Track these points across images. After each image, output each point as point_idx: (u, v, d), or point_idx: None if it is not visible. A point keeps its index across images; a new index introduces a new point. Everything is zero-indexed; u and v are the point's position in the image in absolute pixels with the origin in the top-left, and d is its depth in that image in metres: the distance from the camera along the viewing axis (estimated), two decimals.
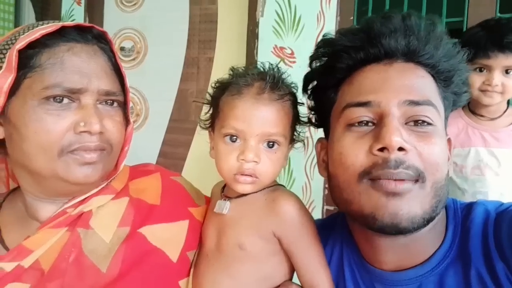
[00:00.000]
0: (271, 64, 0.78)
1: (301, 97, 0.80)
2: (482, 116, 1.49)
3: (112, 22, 2.34)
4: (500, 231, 0.65)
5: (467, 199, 1.46)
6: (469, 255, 0.66)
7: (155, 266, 0.73)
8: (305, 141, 1.90)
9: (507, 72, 1.39)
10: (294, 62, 1.91)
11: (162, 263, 0.74)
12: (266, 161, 0.72)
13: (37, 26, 0.69)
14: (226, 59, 2.12)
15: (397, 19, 0.68)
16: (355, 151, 0.66)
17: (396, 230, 0.63)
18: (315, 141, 0.84)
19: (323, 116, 0.78)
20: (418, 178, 0.63)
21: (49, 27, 0.68)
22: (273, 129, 0.72)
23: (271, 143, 0.73)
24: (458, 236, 0.69)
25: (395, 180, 0.62)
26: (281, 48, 1.94)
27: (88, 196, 0.74)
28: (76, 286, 0.67)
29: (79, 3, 2.35)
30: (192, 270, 0.78)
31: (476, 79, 1.41)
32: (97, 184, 0.74)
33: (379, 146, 0.63)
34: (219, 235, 0.77)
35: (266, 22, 1.95)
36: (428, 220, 0.64)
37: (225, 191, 0.80)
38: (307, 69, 0.79)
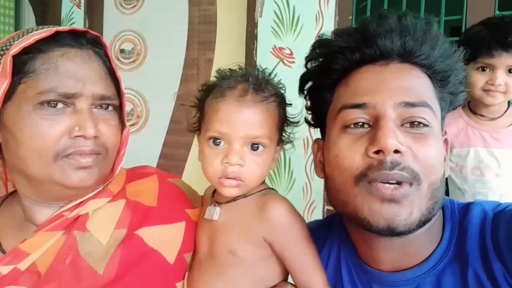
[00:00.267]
0: (261, 67, 0.78)
1: (296, 97, 0.80)
2: (482, 116, 1.47)
3: (112, 25, 2.35)
4: (497, 231, 0.65)
5: (467, 199, 1.45)
6: (466, 255, 0.66)
7: (152, 268, 0.73)
8: (305, 141, 1.91)
9: (510, 71, 1.36)
10: (293, 62, 1.91)
11: (159, 265, 0.74)
12: (251, 164, 0.72)
13: (31, 32, 0.70)
14: (225, 60, 2.12)
15: (393, 19, 0.67)
16: (351, 154, 0.66)
17: (392, 233, 0.63)
18: (311, 144, 0.84)
19: (320, 116, 0.77)
20: (414, 180, 0.62)
21: (43, 32, 0.69)
22: (257, 131, 0.71)
23: (256, 146, 0.72)
24: (455, 237, 0.69)
25: (391, 183, 0.62)
26: (280, 48, 1.94)
27: (84, 200, 0.74)
28: None
29: (78, 6, 2.36)
30: (186, 274, 0.78)
31: (479, 79, 1.38)
32: (93, 188, 0.75)
33: (375, 148, 0.63)
34: (211, 241, 0.76)
35: (265, 23, 1.95)
36: (424, 222, 0.64)
37: (215, 196, 0.80)
38: (303, 72, 0.79)
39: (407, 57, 0.68)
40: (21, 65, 0.67)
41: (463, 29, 1.67)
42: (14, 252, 0.69)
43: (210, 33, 2.16)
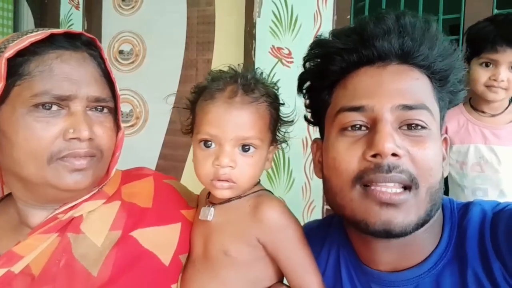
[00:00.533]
0: (253, 68, 0.77)
1: (295, 97, 0.79)
2: (483, 112, 1.47)
3: (111, 26, 2.35)
4: (496, 231, 0.64)
5: (467, 195, 1.45)
6: (465, 255, 0.66)
7: (147, 269, 0.73)
8: (304, 141, 1.91)
9: None
10: (291, 62, 1.91)
11: (154, 266, 0.74)
12: (242, 166, 0.72)
13: (26, 34, 0.70)
14: (224, 60, 2.11)
15: (391, 19, 0.67)
16: (348, 157, 0.66)
17: (388, 236, 0.63)
18: (310, 144, 0.83)
19: (318, 116, 0.77)
20: (411, 184, 0.62)
21: (38, 34, 0.69)
22: (247, 132, 0.71)
23: (247, 147, 0.72)
24: (455, 237, 0.69)
25: (388, 186, 0.62)
26: (279, 48, 1.94)
27: (79, 202, 0.74)
28: None
29: (77, 8, 2.37)
30: (180, 275, 0.78)
31: (482, 74, 1.39)
32: (88, 190, 0.75)
33: (372, 152, 0.63)
34: (205, 241, 0.76)
35: (263, 23, 1.95)
36: (422, 224, 0.64)
37: (210, 197, 0.80)
38: (301, 72, 0.79)
39: (405, 58, 0.67)
40: (16, 68, 0.67)
41: (461, 28, 1.67)
42: (8, 255, 0.69)
43: (209, 33, 2.16)
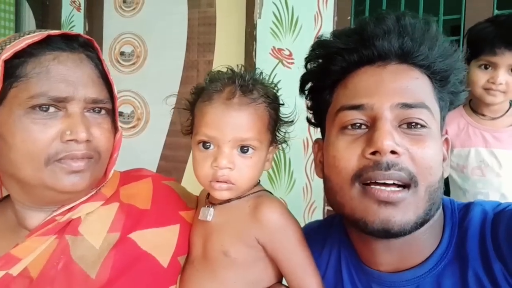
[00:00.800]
0: (252, 68, 0.77)
1: (296, 98, 0.79)
2: (483, 115, 1.45)
3: (112, 27, 2.36)
4: (497, 232, 0.64)
5: (469, 199, 1.44)
6: (466, 255, 0.66)
7: (145, 271, 0.73)
8: (305, 142, 1.90)
9: None
10: (292, 63, 1.91)
11: (152, 268, 0.74)
12: (241, 167, 0.72)
13: (23, 36, 0.70)
14: (225, 61, 2.11)
15: (391, 19, 0.67)
16: (348, 155, 0.66)
17: (387, 235, 0.63)
18: (312, 144, 0.83)
19: (320, 116, 0.78)
20: (410, 182, 0.62)
21: (35, 36, 0.69)
22: (245, 134, 0.71)
23: (245, 148, 0.72)
24: (456, 237, 0.69)
25: (387, 185, 0.62)
26: (279, 49, 1.94)
27: (76, 204, 0.74)
28: None
29: (78, 10, 2.37)
30: (179, 276, 0.78)
31: (481, 77, 1.37)
32: (86, 192, 0.75)
33: (371, 150, 0.63)
34: (205, 242, 0.76)
35: (264, 24, 1.95)
36: (421, 224, 0.64)
37: (209, 197, 0.80)
38: (303, 72, 0.79)
39: (405, 58, 0.67)
40: (13, 69, 0.67)
41: (462, 28, 1.67)
42: (6, 258, 0.69)
43: (210, 35, 2.16)
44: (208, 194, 0.80)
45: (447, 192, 1.33)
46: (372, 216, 0.63)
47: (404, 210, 0.62)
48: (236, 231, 0.73)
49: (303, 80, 0.79)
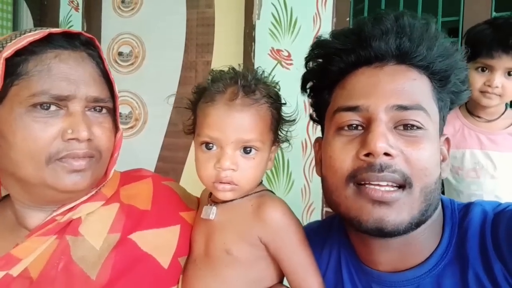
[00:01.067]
0: (248, 68, 0.77)
1: (294, 99, 0.79)
2: (479, 117, 1.46)
3: (110, 27, 2.35)
4: (497, 232, 0.65)
5: (463, 200, 1.42)
6: (466, 256, 0.66)
7: (145, 273, 0.72)
8: (304, 143, 1.90)
9: (509, 74, 1.35)
10: (291, 64, 1.91)
11: (153, 269, 0.73)
12: (244, 168, 0.72)
13: (24, 33, 0.69)
14: (223, 62, 2.10)
15: (390, 19, 0.67)
16: (343, 156, 0.66)
17: (381, 234, 0.63)
18: (313, 143, 0.84)
19: (320, 115, 0.78)
20: (405, 183, 0.63)
21: (36, 34, 0.68)
22: (248, 135, 0.71)
23: (248, 149, 0.72)
24: (455, 237, 0.69)
25: (381, 185, 0.62)
26: (278, 50, 1.93)
27: (77, 204, 0.74)
28: None
29: (76, 9, 2.36)
30: (181, 276, 0.77)
31: (477, 79, 1.37)
32: (86, 192, 0.74)
33: (365, 151, 0.63)
34: (207, 240, 0.76)
35: (263, 25, 1.95)
36: (417, 224, 0.64)
37: (212, 196, 0.80)
38: (304, 71, 0.79)
39: (403, 58, 0.67)
40: (14, 67, 0.66)
41: (460, 30, 1.67)
42: (6, 258, 0.68)
43: (208, 35, 2.16)
44: (211, 193, 0.80)
45: (441, 193, 1.33)
46: (366, 215, 0.63)
47: (398, 210, 0.63)
48: (238, 230, 0.73)
49: (304, 79, 0.80)
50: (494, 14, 1.64)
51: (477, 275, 0.64)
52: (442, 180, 0.69)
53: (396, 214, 0.62)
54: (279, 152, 0.82)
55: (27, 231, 0.72)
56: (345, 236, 0.78)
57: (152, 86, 2.27)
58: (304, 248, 0.73)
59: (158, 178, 0.87)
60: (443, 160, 0.71)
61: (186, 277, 0.77)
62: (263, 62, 1.92)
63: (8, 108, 0.67)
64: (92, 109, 0.72)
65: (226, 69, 0.78)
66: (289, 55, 1.92)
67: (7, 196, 0.78)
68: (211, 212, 0.76)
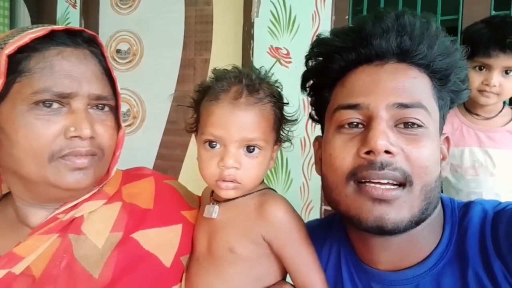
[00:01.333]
0: (254, 67, 0.77)
1: (294, 97, 0.79)
2: (477, 115, 1.47)
3: (108, 25, 2.34)
4: (497, 231, 0.65)
5: (462, 198, 1.44)
6: (466, 254, 0.66)
7: (148, 271, 0.72)
8: (302, 141, 1.90)
9: (506, 72, 1.35)
10: (290, 62, 1.91)
11: (155, 268, 0.73)
12: (247, 166, 0.72)
13: (26, 30, 0.68)
14: (222, 60, 2.12)
15: (390, 18, 0.67)
16: (343, 154, 0.66)
17: (381, 232, 0.63)
18: (312, 141, 0.84)
19: (320, 113, 0.78)
20: (405, 181, 0.63)
21: (39, 31, 0.67)
22: (252, 134, 0.71)
23: (251, 148, 0.72)
24: (455, 236, 0.69)
25: (381, 183, 0.63)
26: (277, 48, 1.93)
27: (79, 202, 0.73)
28: None
29: (74, 6, 2.35)
30: (184, 274, 0.77)
31: (475, 78, 1.38)
32: (88, 190, 0.74)
33: (366, 149, 0.63)
34: (210, 239, 0.76)
35: (261, 23, 1.95)
36: (417, 222, 0.64)
37: (214, 195, 0.80)
38: (303, 69, 0.79)
39: (403, 57, 0.67)
40: (16, 64, 0.66)
41: (459, 29, 1.68)
42: (9, 256, 0.68)
43: (207, 33, 2.16)
44: (212, 192, 0.80)
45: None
46: (366, 213, 0.63)
47: (398, 208, 0.63)
48: (241, 228, 0.73)
49: (304, 78, 0.80)
50: (493, 13, 1.65)
51: (477, 274, 0.64)
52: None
53: (396, 212, 0.62)
54: (280, 149, 0.82)
55: (29, 229, 0.72)
56: (345, 234, 0.78)
57: (150, 84, 2.26)
58: (307, 246, 0.74)
59: (160, 177, 0.86)
60: (443, 159, 0.71)
61: (190, 275, 0.77)
62: (262, 60, 1.92)
63: (10, 106, 0.66)
64: (95, 107, 0.71)
65: (229, 67, 0.78)
66: (288, 53, 1.92)
67: (9, 193, 0.78)
68: (213, 211, 0.76)
